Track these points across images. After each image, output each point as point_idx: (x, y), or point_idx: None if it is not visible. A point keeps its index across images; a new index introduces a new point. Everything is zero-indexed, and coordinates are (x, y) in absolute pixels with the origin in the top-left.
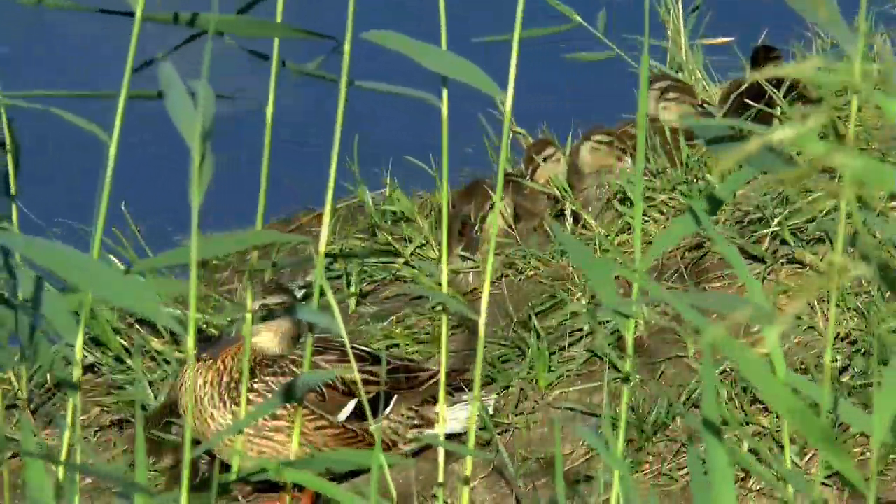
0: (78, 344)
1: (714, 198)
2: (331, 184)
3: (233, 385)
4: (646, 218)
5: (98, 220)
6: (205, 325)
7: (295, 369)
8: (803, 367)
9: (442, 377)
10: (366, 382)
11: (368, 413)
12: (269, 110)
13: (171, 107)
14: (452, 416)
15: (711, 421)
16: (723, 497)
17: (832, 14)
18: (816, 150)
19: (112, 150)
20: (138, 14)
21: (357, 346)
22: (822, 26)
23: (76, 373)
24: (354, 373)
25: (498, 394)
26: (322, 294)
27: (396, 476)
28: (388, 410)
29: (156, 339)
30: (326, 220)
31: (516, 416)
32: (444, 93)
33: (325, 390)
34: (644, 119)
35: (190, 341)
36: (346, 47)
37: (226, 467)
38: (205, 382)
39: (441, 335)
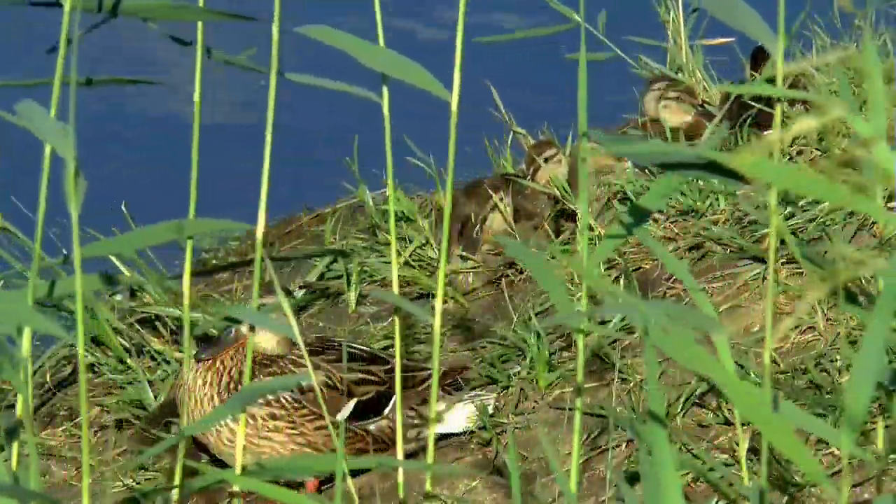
0: None
1: (641, 209)
2: (264, 179)
3: (232, 385)
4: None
5: (38, 220)
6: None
7: (294, 369)
8: (803, 367)
9: (398, 383)
10: (365, 382)
11: (332, 416)
12: (197, 97)
13: (40, 134)
14: (452, 415)
15: (657, 416)
16: (669, 497)
17: (749, 15)
18: (768, 176)
19: (48, 150)
20: (67, 6)
21: (356, 346)
22: (740, 28)
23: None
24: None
25: (498, 394)
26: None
27: (394, 474)
28: (387, 410)
29: (156, 339)
30: (261, 217)
31: (516, 416)
32: (385, 91)
33: (324, 390)
34: (585, 138)
35: (80, 347)
36: (275, 31)
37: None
38: (204, 383)
39: (396, 335)
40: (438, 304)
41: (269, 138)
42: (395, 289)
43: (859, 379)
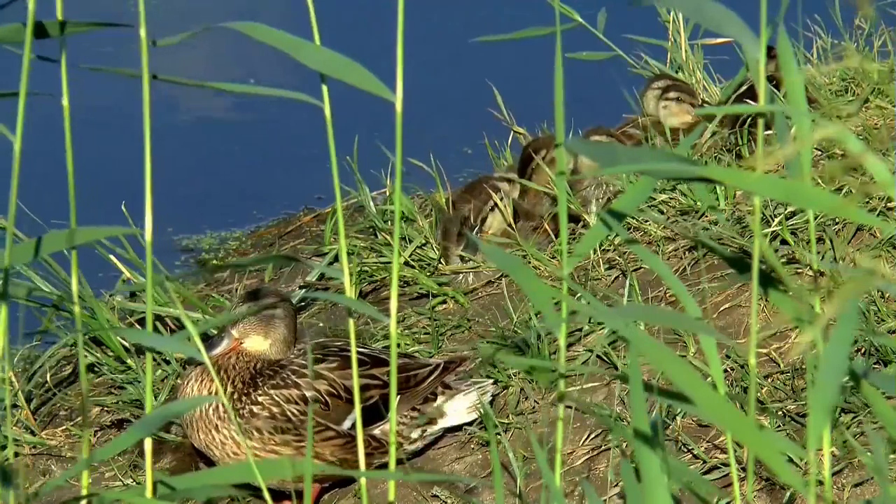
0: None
1: (616, 212)
2: (147, 181)
3: (236, 396)
4: (645, 218)
5: (10, 219)
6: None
7: (298, 381)
8: (803, 367)
9: (356, 390)
10: (367, 388)
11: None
12: (65, 103)
13: None
14: (453, 409)
15: (643, 431)
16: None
17: (726, 15)
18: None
19: (17, 147)
20: None
21: (357, 349)
22: (717, 28)
23: None
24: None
25: (497, 393)
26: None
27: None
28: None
29: None
30: (148, 223)
31: (516, 416)
32: (325, 90)
33: (329, 400)
34: (562, 138)
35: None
36: (142, 33)
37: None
38: (209, 394)
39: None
40: (394, 301)
41: (147, 139)
42: (348, 291)
43: (825, 379)
